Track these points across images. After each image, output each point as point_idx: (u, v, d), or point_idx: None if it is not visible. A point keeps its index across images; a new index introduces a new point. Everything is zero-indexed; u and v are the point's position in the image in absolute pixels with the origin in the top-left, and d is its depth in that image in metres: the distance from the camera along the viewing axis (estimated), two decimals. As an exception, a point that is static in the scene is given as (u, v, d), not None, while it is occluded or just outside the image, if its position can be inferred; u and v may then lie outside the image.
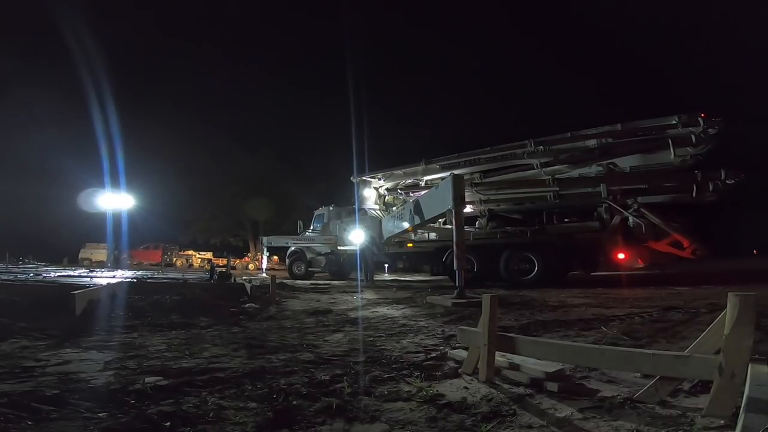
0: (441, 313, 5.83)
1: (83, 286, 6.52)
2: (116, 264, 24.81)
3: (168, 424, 1.91)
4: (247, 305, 6.37)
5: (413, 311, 6.12)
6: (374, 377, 2.66)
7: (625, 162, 10.24)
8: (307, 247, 15.45)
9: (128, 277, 11.44)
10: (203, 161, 30.52)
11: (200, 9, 53.65)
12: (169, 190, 29.50)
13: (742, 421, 1.44)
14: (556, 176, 10.73)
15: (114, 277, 12.83)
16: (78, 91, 24.94)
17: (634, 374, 2.51)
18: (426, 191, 11.57)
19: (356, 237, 13.26)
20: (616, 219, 9.87)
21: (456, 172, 9.80)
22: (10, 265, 20.05)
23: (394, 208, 13.59)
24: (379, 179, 14.34)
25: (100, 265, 24.33)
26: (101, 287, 6.35)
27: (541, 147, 10.86)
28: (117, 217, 25.10)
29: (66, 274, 14.97)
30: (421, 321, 5.15)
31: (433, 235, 12.62)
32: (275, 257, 26.31)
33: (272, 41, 58.93)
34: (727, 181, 9.07)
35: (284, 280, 11.81)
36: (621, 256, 9.65)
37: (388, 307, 6.56)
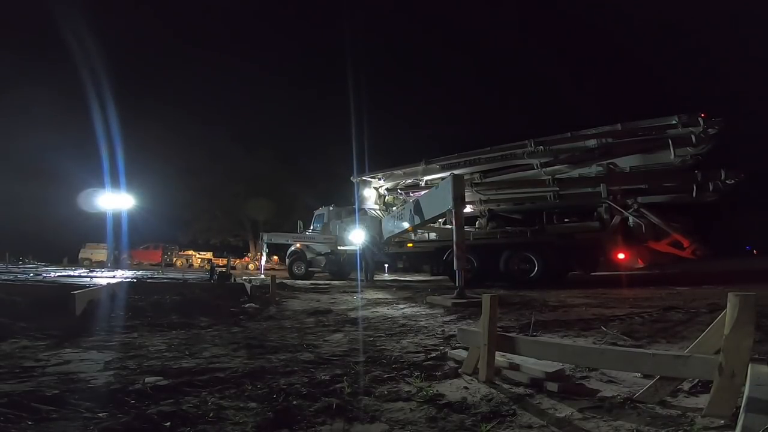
0: (441, 313, 5.84)
1: (83, 286, 6.51)
2: (116, 264, 24.80)
3: (168, 424, 1.91)
4: (247, 305, 6.37)
5: (413, 311, 6.12)
6: (374, 377, 2.66)
7: (625, 162, 10.25)
8: (307, 246, 15.44)
9: (128, 277, 11.44)
10: (203, 161, 30.54)
11: (200, 9, 53.66)
12: (169, 190, 29.53)
13: (742, 421, 1.44)
14: (556, 176, 10.74)
15: (114, 277, 12.83)
16: (78, 91, 24.93)
17: (634, 374, 2.51)
18: (426, 191, 11.58)
19: (356, 237, 13.27)
20: (616, 219, 9.87)
21: (456, 172, 9.81)
22: (10, 265, 20.04)
23: (394, 208, 13.59)
24: (379, 179, 14.35)
25: (100, 265, 24.31)
26: (101, 287, 6.35)
27: (541, 147, 10.87)
28: (117, 217, 25.10)
29: (66, 274, 14.97)
30: (421, 321, 5.15)
31: (433, 235, 12.63)
32: (275, 257, 26.32)
33: (272, 41, 58.94)
34: (727, 181, 9.08)
35: (284, 280, 11.81)
36: (621, 256, 9.65)
37: (388, 307, 6.56)
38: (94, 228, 27.21)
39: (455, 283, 7.14)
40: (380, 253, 13.23)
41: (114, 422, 1.92)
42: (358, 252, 12.97)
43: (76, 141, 28.36)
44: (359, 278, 12.67)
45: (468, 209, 11.16)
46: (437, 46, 60.51)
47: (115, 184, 24.56)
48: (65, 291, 5.79)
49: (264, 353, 3.39)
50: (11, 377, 2.64)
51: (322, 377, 2.65)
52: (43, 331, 4.05)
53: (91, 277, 12.65)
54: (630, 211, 9.75)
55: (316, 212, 16.05)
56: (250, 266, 27.31)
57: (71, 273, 15.62)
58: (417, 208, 9.91)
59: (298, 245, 15.69)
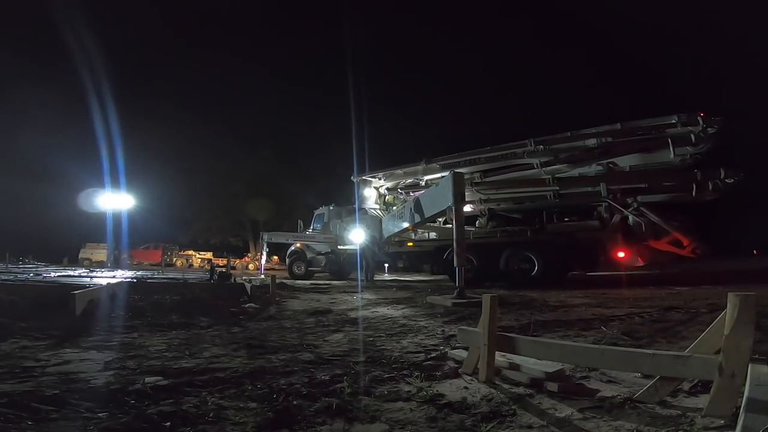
0: (441, 313, 5.83)
1: (83, 286, 6.51)
2: (116, 264, 24.79)
3: (168, 424, 1.91)
4: (247, 305, 6.38)
5: (413, 311, 6.12)
6: (374, 377, 2.66)
7: (625, 161, 10.24)
8: (308, 246, 15.44)
9: (128, 277, 11.44)
10: (203, 161, 30.55)
11: (200, 8, 53.64)
12: (169, 190, 29.51)
13: (742, 421, 1.44)
14: (556, 175, 10.74)
15: (114, 277, 12.83)
16: (78, 91, 24.97)
17: (634, 374, 2.51)
18: (426, 189, 11.60)
19: (356, 236, 13.28)
20: (616, 218, 9.88)
21: (456, 170, 9.81)
22: (10, 265, 20.03)
23: (395, 207, 13.59)
24: (380, 179, 14.35)
25: (100, 265, 24.31)
26: (101, 287, 6.35)
27: (542, 146, 10.87)
28: (117, 217, 25.11)
29: (66, 274, 14.96)
30: (421, 321, 5.15)
31: (433, 235, 12.63)
32: (275, 257, 26.30)
33: (272, 40, 58.91)
34: (727, 180, 9.08)
35: (284, 280, 11.81)
36: (621, 254, 9.66)
37: (388, 307, 6.56)
38: (94, 228, 27.25)
39: (455, 283, 7.14)
40: (380, 253, 13.23)
41: (114, 422, 1.92)
42: (358, 251, 12.98)
43: (76, 141, 28.43)
44: (359, 278, 12.67)
45: (468, 208, 11.16)
46: (438, 45, 60.50)
47: (115, 184, 24.60)
48: (65, 291, 5.79)
49: (264, 353, 3.39)
50: (11, 377, 2.64)
51: (322, 377, 2.65)
52: (43, 331, 4.06)
53: (91, 277, 12.65)
54: (630, 210, 9.76)
55: (317, 212, 16.04)
56: (250, 266, 27.30)
57: (71, 273, 15.62)
58: (417, 206, 9.91)
59: (298, 245, 15.67)
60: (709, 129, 9.11)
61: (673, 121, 9.49)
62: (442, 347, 3.53)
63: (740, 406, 1.58)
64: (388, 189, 14.46)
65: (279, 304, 6.85)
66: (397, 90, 56.51)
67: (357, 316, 5.55)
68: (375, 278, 13.42)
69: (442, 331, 4.40)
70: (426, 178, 12.91)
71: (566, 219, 10.97)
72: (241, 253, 32.49)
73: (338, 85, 55.79)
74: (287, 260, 16.47)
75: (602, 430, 1.87)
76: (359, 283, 11.79)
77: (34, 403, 2.12)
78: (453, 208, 7.15)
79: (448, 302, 6.53)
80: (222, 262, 24.52)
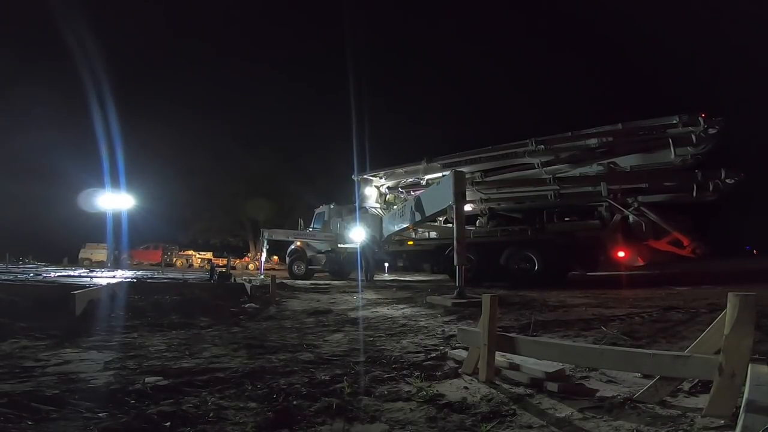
0: (441, 313, 5.83)
1: (83, 286, 6.51)
2: (116, 264, 24.79)
3: (168, 424, 1.91)
4: (247, 305, 6.38)
5: (413, 311, 6.12)
6: (374, 377, 2.66)
7: (626, 161, 10.25)
8: (308, 245, 15.45)
9: (128, 277, 11.44)
10: (203, 161, 30.53)
11: (200, 8, 53.63)
12: (169, 190, 29.50)
13: (742, 421, 1.44)
14: (557, 175, 10.74)
15: (114, 277, 12.82)
16: (78, 91, 24.93)
17: (634, 374, 2.51)
18: (427, 188, 11.60)
19: (357, 235, 13.29)
20: (617, 218, 9.88)
21: (457, 169, 9.81)
22: (10, 265, 20.03)
23: (395, 206, 13.59)
24: (381, 178, 14.35)
25: (100, 265, 24.31)
26: (101, 287, 6.35)
27: (543, 146, 10.87)
28: (117, 217, 25.09)
29: (66, 274, 14.96)
30: (421, 321, 5.15)
31: (433, 234, 12.64)
32: (275, 257, 26.30)
33: (273, 39, 58.93)
34: (727, 181, 9.08)
35: (284, 280, 11.81)
36: (621, 254, 9.67)
37: (388, 307, 6.56)
38: (94, 228, 27.25)
39: (455, 282, 7.14)
40: (380, 251, 13.24)
41: (114, 422, 1.92)
42: (358, 250, 12.98)
43: (76, 141, 28.38)
44: (359, 278, 12.67)
45: (468, 208, 11.15)
46: (439, 44, 60.53)
47: (115, 184, 24.58)
48: (65, 291, 5.79)
49: (264, 353, 3.39)
50: (11, 377, 2.64)
51: (322, 377, 2.65)
52: (43, 331, 4.05)
53: (91, 277, 12.65)
54: (630, 209, 9.76)
55: (317, 210, 16.05)
56: (250, 266, 27.30)
57: (71, 273, 15.62)
58: (418, 205, 9.92)
59: (298, 243, 15.68)
60: (710, 129, 9.12)
61: (674, 122, 9.50)
62: (442, 347, 3.53)
63: (740, 406, 1.58)
64: (388, 188, 14.47)
65: (279, 304, 6.85)
66: (398, 89, 56.63)
67: (357, 316, 5.55)
68: (375, 278, 13.42)
69: (442, 331, 4.40)
70: (427, 177, 12.92)
71: (567, 219, 10.98)
72: (241, 253, 32.49)
73: (339, 84, 55.64)
74: (287, 259, 16.47)
75: (602, 430, 1.87)
76: (359, 282, 11.79)
77: (34, 403, 2.12)
78: (454, 207, 7.16)
79: (448, 302, 6.53)
80: (222, 262, 24.53)
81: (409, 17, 61.60)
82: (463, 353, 2.97)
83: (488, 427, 1.91)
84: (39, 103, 29.88)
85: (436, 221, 11.88)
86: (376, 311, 6.14)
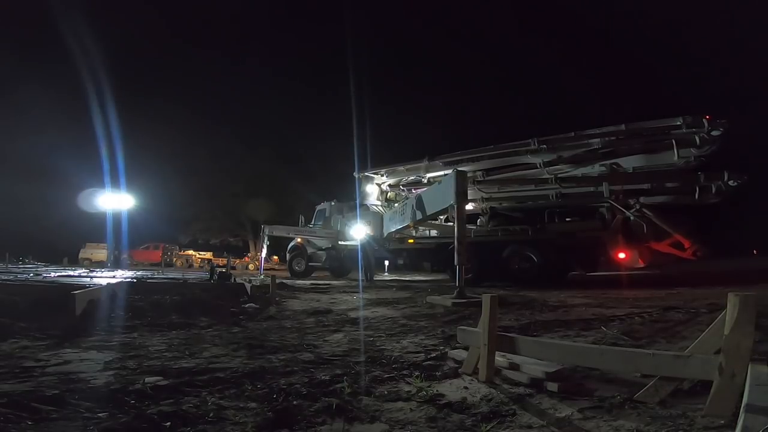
0: (441, 313, 5.83)
1: (83, 286, 6.51)
2: (116, 264, 24.79)
3: (168, 424, 1.91)
4: (247, 305, 6.37)
5: (413, 311, 6.11)
6: (374, 377, 2.66)
7: (628, 162, 10.23)
8: (308, 241, 15.45)
9: (128, 277, 11.44)
10: (203, 161, 30.54)
11: (200, 7, 53.63)
12: (169, 190, 29.53)
13: (742, 421, 1.44)
14: (559, 175, 10.73)
15: (114, 277, 12.83)
16: (78, 91, 24.98)
17: (634, 374, 2.51)
18: (429, 187, 11.60)
19: (358, 232, 13.30)
20: (618, 219, 9.87)
21: (459, 168, 9.81)
22: (10, 265, 20.03)
23: (396, 204, 13.60)
24: (382, 175, 14.35)
25: (100, 265, 24.31)
26: (101, 287, 6.35)
27: (545, 146, 10.84)
28: (117, 217, 25.11)
29: (66, 274, 14.96)
30: (421, 321, 5.15)
31: (434, 232, 12.63)
32: (275, 257, 26.30)
33: (273, 38, 58.99)
34: (730, 183, 9.05)
35: (284, 280, 11.81)
36: (622, 255, 9.65)
37: (388, 307, 6.56)
38: (94, 228, 27.25)
39: (455, 282, 7.14)
40: (381, 249, 13.26)
41: (114, 422, 1.92)
42: (359, 247, 13.00)
43: (76, 141, 28.40)
44: (360, 277, 12.68)
45: (469, 207, 11.14)
46: (440, 43, 60.45)
47: (115, 184, 24.62)
48: (65, 291, 5.79)
49: (264, 353, 3.39)
50: (11, 377, 2.64)
51: (322, 377, 2.65)
52: (43, 331, 4.06)
53: (91, 277, 12.64)
54: (632, 211, 9.75)
55: (318, 207, 16.06)
56: (250, 266, 27.31)
57: (71, 273, 15.62)
58: (419, 203, 9.92)
59: (299, 240, 15.70)
60: (713, 131, 9.09)
61: (678, 123, 9.46)
62: (442, 347, 3.53)
63: (740, 406, 1.58)
64: (390, 186, 14.47)
65: (279, 304, 6.85)
66: (400, 87, 56.54)
67: (357, 316, 5.55)
68: (375, 278, 13.43)
69: (442, 331, 4.39)
70: (428, 175, 12.92)
71: (568, 219, 10.98)
72: (241, 253, 32.51)
73: (340, 83, 55.62)
74: (287, 256, 16.48)
75: (602, 430, 1.87)
76: (360, 282, 11.79)
77: (34, 403, 2.12)
78: (455, 206, 7.16)
79: (448, 302, 6.53)
80: (222, 262, 24.54)
81: (410, 15, 61.64)
82: (463, 353, 2.97)
83: (488, 427, 1.91)
84: (39, 103, 29.92)
85: (437, 220, 11.88)
86: (376, 311, 6.14)
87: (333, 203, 15.52)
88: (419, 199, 10.04)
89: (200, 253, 31.28)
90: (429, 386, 2.46)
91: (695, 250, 9.36)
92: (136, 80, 42.91)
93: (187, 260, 29.70)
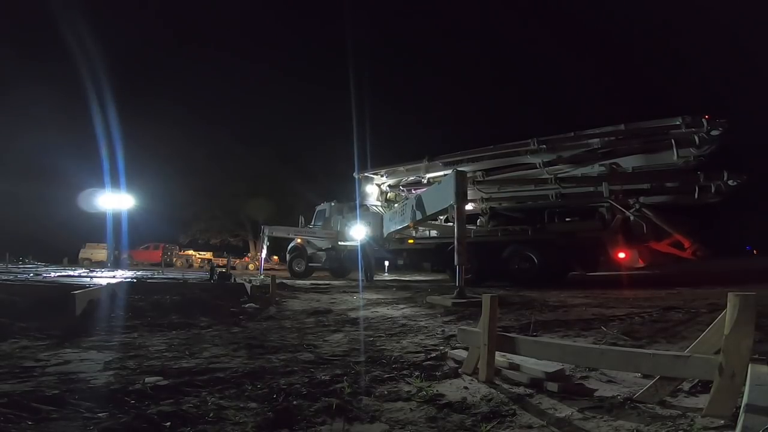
0: (441, 313, 5.83)
1: (83, 286, 6.50)
2: (116, 264, 24.78)
3: (168, 424, 1.91)
4: (247, 305, 6.37)
5: (413, 311, 6.12)
6: (374, 377, 2.66)
7: (628, 162, 10.23)
8: (308, 242, 15.45)
9: (128, 277, 11.43)
10: (203, 161, 30.53)
11: (200, 7, 53.63)
12: (169, 190, 29.53)
13: (742, 421, 1.44)
14: (559, 175, 10.73)
15: (114, 277, 12.82)
16: (78, 91, 24.98)
17: (634, 374, 2.51)
18: (429, 187, 11.60)
19: (357, 232, 13.31)
20: (618, 219, 9.86)
21: (459, 168, 9.81)
22: (10, 265, 20.02)
23: (396, 204, 13.60)
24: (382, 176, 14.36)
25: (100, 265, 24.31)
26: (101, 287, 6.34)
27: (545, 146, 10.84)
28: (117, 217, 25.11)
29: (66, 274, 14.95)
30: (421, 321, 5.15)
31: (434, 232, 12.64)
32: (275, 257, 26.29)
33: (273, 38, 58.93)
34: (730, 183, 9.05)
35: (284, 280, 11.81)
36: (622, 255, 9.65)
37: (388, 307, 6.56)
38: (94, 228, 27.26)
39: (455, 282, 7.14)
40: (381, 249, 13.26)
41: (114, 422, 1.92)
42: (359, 247, 13.00)
43: (76, 141, 28.41)
44: (360, 277, 12.68)
45: (469, 207, 11.15)
46: (441, 43, 60.57)
47: (115, 184, 24.61)
48: (65, 291, 5.78)
49: (264, 353, 3.39)
50: (11, 377, 2.64)
51: (322, 377, 2.65)
52: (43, 331, 4.05)
53: (91, 277, 12.64)
54: (632, 211, 9.75)
55: (318, 208, 16.07)
56: (250, 266, 27.31)
57: (71, 273, 15.61)
58: (419, 203, 9.92)
59: (299, 240, 15.69)
60: (713, 131, 9.08)
61: (678, 123, 9.46)
62: (442, 347, 3.53)
63: (740, 406, 1.58)
64: (390, 186, 14.48)
65: (279, 304, 6.85)
66: (400, 87, 56.59)
67: (357, 316, 5.55)
68: (375, 278, 13.43)
69: (442, 331, 4.40)
70: (428, 175, 12.92)
71: (568, 219, 10.98)
72: (241, 253, 32.51)
73: (341, 83, 55.82)
74: (287, 256, 16.47)
75: (602, 430, 1.87)
76: (360, 283, 11.79)
77: (34, 403, 2.12)
78: (455, 207, 7.16)
79: (448, 302, 6.53)
80: (222, 262, 24.54)
81: (410, 16, 61.61)
82: (463, 353, 2.96)
83: (488, 427, 1.91)
84: (39, 103, 29.93)
85: (437, 220, 11.89)
86: (376, 311, 6.14)
87: (333, 204, 15.52)
88: (419, 200, 10.04)
89: (200, 253, 31.29)
90: (429, 386, 2.46)
91: (695, 250, 9.36)
92: (136, 80, 42.98)
93: (187, 260, 29.71)
